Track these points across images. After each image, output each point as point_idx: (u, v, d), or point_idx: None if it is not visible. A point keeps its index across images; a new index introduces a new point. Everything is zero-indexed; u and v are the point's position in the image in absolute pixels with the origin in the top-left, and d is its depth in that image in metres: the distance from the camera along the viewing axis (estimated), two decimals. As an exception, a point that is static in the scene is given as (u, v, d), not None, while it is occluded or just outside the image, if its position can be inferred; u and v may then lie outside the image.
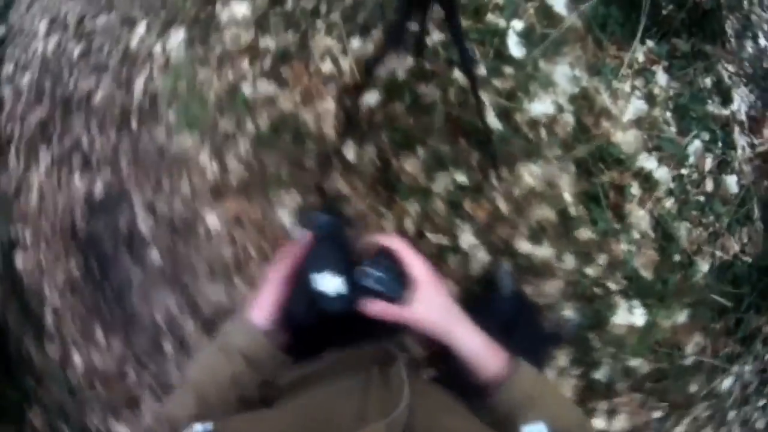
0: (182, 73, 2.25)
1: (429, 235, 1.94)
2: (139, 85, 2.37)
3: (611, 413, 2.16)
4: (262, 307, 0.85)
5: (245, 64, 2.16)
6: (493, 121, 1.99)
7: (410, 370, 0.82)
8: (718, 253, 2.14)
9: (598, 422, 2.14)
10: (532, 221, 2.00)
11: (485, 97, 1.97)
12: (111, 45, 2.54)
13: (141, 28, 2.46)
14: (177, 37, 2.33)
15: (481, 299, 1.82)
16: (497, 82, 2.05)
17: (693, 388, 2.20)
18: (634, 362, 2.13)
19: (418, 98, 1.95)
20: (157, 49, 2.37)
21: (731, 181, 2.15)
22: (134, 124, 2.33)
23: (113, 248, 2.17)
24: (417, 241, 1.92)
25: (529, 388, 0.77)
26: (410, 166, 1.95)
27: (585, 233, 2.05)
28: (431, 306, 0.81)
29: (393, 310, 0.80)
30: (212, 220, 2.02)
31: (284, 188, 1.98)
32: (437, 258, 1.94)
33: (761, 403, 2.24)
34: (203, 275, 2.03)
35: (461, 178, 1.96)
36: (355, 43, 2.06)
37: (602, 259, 2.07)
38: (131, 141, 2.31)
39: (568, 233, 2.04)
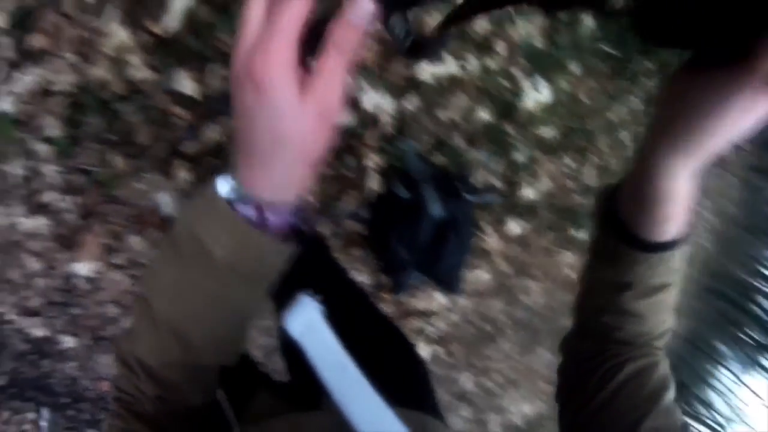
0: None
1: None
2: None
3: (534, 178, 2.25)
4: (293, 180, 0.41)
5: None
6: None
7: None
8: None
9: (526, 192, 2.24)
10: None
11: None
12: None
13: None
14: None
15: (407, 217, 1.65)
16: None
17: (591, 125, 2.32)
18: (545, 131, 2.16)
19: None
20: None
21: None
22: None
23: (34, 368, 1.59)
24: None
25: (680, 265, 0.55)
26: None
27: (481, 27, 1.80)
28: None
29: None
30: (83, 268, 1.45)
31: (131, 177, 1.39)
32: (348, 140, 1.60)
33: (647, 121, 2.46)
34: (118, 316, 1.58)
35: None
36: None
37: (502, 47, 1.85)
38: None
39: (464, 36, 1.76)
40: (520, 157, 2.15)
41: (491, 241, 2.29)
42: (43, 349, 1.58)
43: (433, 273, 1.76)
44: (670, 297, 0.56)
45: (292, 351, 0.85)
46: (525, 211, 2.34)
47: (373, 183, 1.71)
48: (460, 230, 1.65)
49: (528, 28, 1.85)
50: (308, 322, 0.47)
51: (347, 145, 1.65)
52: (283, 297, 0.77)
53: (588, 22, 1.99)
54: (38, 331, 1.52)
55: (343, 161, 1.68)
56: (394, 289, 1.85)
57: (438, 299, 2.13)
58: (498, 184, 2.17)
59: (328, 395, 0.56)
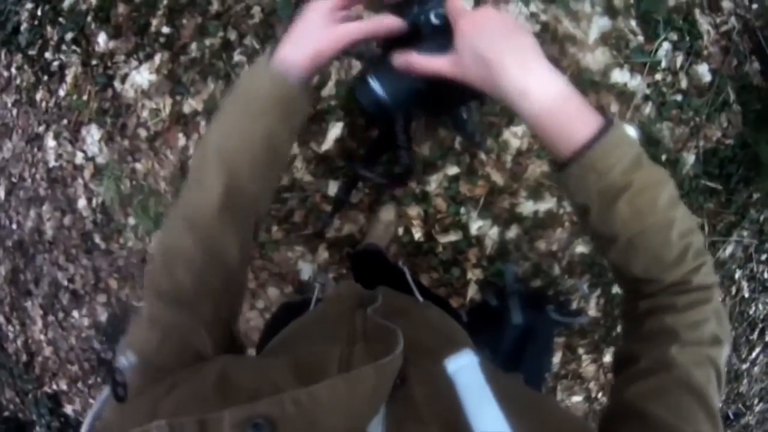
0: (116, 173, 2.03)
1: (439, 237, 1.93)
2: (81, 202, 2.16)
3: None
4: (303, 49, 0.59)
5: (180, 136, 1.94)
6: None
7: (387, 298, 0.71)
8: (702, 143, 2.20)
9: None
10: (530, 181, 1.99)
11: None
12: (30, 171, 2.28)
13: (50, 141, 2.17)
14: (92, 137, 2.07)
15: (493, 323, 1.85)
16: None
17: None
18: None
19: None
20: (78, 157, 2.12)
21: (703, 70, 2.13)
22: (100, 242, 2.16)
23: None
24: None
25: (616, 171, 0.50)
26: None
27: None
28: (476, 41, 0.52)
29: (425, 61, 0.57)
30: None
31: (284, 246, 1.91)
32: (455, 254, 1.95)
33: (763, 257, 2.46)
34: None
35: (452, 170, 1.90)
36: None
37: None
38: (107, 259, 2.16)
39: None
40: (618, 289, 2.29)
41: (587, 367, 2.39)
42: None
43: (513, 378, 1.94)
44: (642, 200, 0.51)
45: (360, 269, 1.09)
46: (624, 342, 2.41)
47: (473, 292, 2.02)
48: (537, 342, 1.83)
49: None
50: (465, 364, 0.49)
51: (454, 258, 2.00)
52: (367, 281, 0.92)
53: (688, 159, 2.16)
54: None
55: (450, 272, 2.02)
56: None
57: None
58: (594, 313, 2.32)
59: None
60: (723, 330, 0.54)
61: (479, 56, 0.52)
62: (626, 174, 0.50)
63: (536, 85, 0.50)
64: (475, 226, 1.95)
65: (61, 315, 2.39)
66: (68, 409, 2.60)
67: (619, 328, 2.34)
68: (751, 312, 2.75)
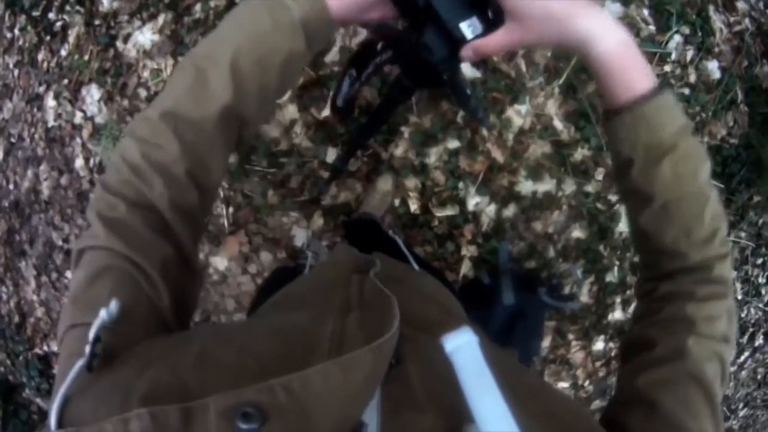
0: (114, 133, 2.02)
1: (435, 210, 1.92)
2: (78, 162, 2.14)
3: (626, 303, 2.35)
4: None
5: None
6: (467, 70, 1.87)
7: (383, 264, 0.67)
8: (706, 140, 2.19)
9: (617, 314, 2.33)
10: (530, 161, 1.98)
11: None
12: (30, 130, 2.26)
13: (50, 101, 2.16)
14: (92, 96, 2.06)
15: (483, 301, 1.81)
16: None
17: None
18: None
19: (386, 76, 1.79)
20: (78, 117, 2.10)
21: (713, 67, 2.12)
22: (96, 202, 2.18)
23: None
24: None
25: (666, 131, 0.53)
26: (400, 149, 1.85)
27: (580, 154, 2.06)
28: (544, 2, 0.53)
29: (489, 44, 0.57)
30: (220, 263, 1.95)
31: (279, 211, 1.90)
32: (450, 229, 1.94)
33: (759, 261, 2.45)
34: (233, 310, 2.03)
35: (453, 144, 1.88)
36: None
37: (599, 173, 2.10)
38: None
39: (565, 159, 2.05)
40: (611, 277, 2.28)
41: (575, 354, 2.39)
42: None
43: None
44: (685, 167, 0.53)
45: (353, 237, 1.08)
46: (614, 332, 2.41)
47: (466, 269, 2.01)
48: (527, 324, 1.82)
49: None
50: (463, 343, 0.46)
51: (449, 233, 1.99)
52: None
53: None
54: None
55: (444, 247, 2.02)
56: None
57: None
58: (586, 299, 2.31)
59: None
60: (731, 330, 0.56)
61: (548, 13, 0.53)
62: (675, 136, 0.52)
63: (603, 29, 0.52)
64: (473, 202, 1.94)
65: (54, 275, 2.38)
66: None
67: (610, 317, 2.33)
68: (742, 315, 2.76)
